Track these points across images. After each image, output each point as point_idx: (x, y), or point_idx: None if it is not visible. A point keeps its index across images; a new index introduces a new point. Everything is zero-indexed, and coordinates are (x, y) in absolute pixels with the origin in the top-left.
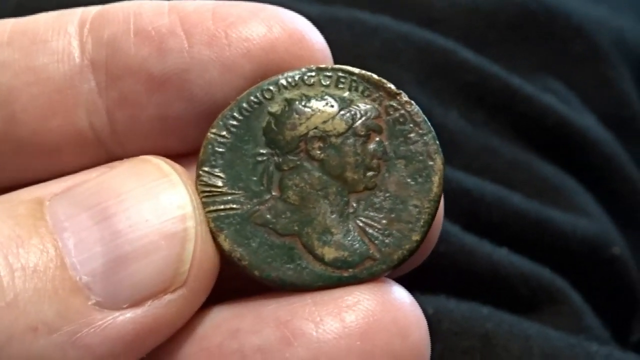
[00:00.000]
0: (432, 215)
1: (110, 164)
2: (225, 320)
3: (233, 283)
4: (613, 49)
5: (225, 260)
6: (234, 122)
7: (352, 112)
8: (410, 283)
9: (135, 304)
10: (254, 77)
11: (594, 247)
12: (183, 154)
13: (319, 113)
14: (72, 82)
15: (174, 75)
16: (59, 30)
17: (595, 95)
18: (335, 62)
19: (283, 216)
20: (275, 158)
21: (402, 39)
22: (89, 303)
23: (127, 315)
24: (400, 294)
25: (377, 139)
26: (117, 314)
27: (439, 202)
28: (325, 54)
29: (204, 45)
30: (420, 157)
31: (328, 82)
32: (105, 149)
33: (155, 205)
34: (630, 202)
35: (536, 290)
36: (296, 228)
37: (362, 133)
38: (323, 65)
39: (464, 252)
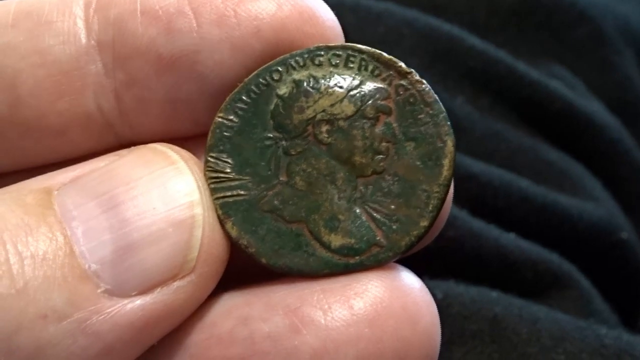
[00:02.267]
0: (442, 200)
1: (118, 152)
2: (235, 308)
3: (242, 269)
4: (617, 34)
5: (233, 246)
6: (242, 106)
7: (361, 94)
8: (419, 268)
9: (144, 291)
10: (265, 57)
11: (601, 232)
12: (193, 136)
13: (326, 95)
14: (79, 63)
15: (183, 56)
16: (64, 10)
17: (599, 80)
18: None
19: (290, 202)
20: (283, 142)
21: (406, 24)
22: (98, 291)
23: (136, 303)
24: (409, 280)
25: (386, 120)
26: (126, 301)
27: (449, 186)
28: (337, 31)
29: (213, 24)
30: (431, 139)
31: (337, 62)
32: (114, 131)
33: (163, 193)
34: (637, 187)
35: (544, 275)
36: (303, 214)
37: (371, 115)
38: (332, 44)
39: (472, 237)
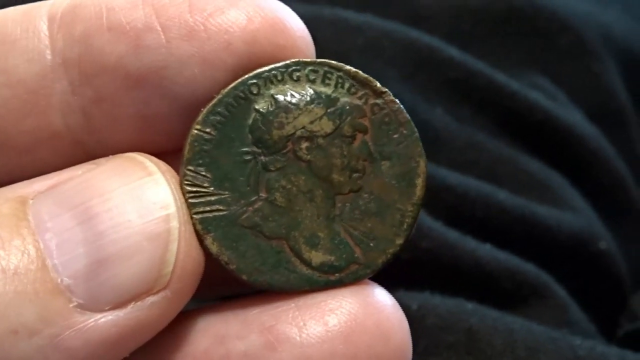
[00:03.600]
0: (415, 218)
1: (96, 161)
2: (211, 325)
3: (218, 284)
4: (599, 43)
5: (210, 261)
6: (220, 118)
7: (339, 112)
8: (395, 279)
9: (117, 306)
10: (236, 70)
11: (579, 242)
12: (166, 151)
13: (306, 112)
14: (44, 82)
15: (152, 72)
16: (28, 27)
17: (581, 89)
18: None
19: (270, 219)
20: (262, 157)
21: (386, 36)
22: (70, 305)
23: (109, 318)
24: (382, 297)
25: (363, 139)
26: (99, 316)
27: (421, 205)
28: (307, 41)
29: (183, 39)
30: (404, 159)
31: (314, 77)
32: (83, 148)
33: (139, 205)
34: (616, 197)
35: (521, 285)
36: (283, 231)
37: (349, 134)
38: (309, 60)
39: (447, 248)
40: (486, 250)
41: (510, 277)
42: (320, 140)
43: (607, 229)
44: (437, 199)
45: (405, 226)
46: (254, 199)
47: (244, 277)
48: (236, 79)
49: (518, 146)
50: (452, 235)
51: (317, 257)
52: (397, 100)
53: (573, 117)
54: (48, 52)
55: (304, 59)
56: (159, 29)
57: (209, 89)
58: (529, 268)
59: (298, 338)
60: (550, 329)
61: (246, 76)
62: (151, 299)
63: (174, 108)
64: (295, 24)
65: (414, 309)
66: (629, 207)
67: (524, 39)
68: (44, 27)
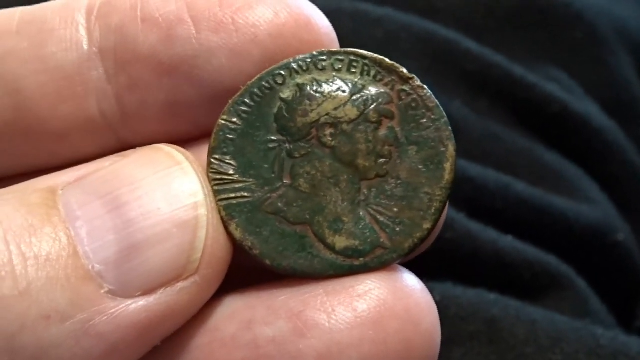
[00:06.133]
0: (444, 203)
1: (123, 153)
2: (238, 311)
3: (246, 271)
4: (613, 36)
5: (237, 248)
6: (245, 108)
7: (364, 98)
8: (418, 270)
9: (147, 292)
10: (262, 62)
11: (597, 234)
12: (194, 139)
13: (330, 99)
14: (81, 69)
15: (183, 62)
16: (67, 18)
17: (596, 82)
18: None
19: (294, 205)
20: (287, 145)
21: (404, 29)
22: (102, 291)
23: (140, 303)
24: (411, 281)
25: (389, 124)
26: (129, 301)
27: (450, 189)
28: (332, 37)
29: (212, 31)
30: (432, 143)
31: (340, 66)
32: (116, 135)
33: (168, 194)
34: (633, 189)
35: (541, 276)
36: (307, 217)
37: (374, 119)
38: (335, 49)
39: (469, 239)
40: (507, 242)
41: (531, 268)
42: (345, 127)
43: (624, 220)
44: (458, 191)
45: (433, 210)
46: (278, 185)
47: (268, 261)
48: (262, 70)
49: (535, 138)
50: (475, 226)
51: (340, 241)
52: (425, 86)
53: (589, 109)
54: (85, 41)
55: (330, 49)
56: (190, 21)
57: (236, 79)
58: (550, 259)
59: (327, 324)
60: (572, 319)
61: (272, 67)
62: (181, 284)
63: (202, 96)
64: (320, 20)
65: (436, 300)
66: None
67: (538, 32)
68: (81, 19)
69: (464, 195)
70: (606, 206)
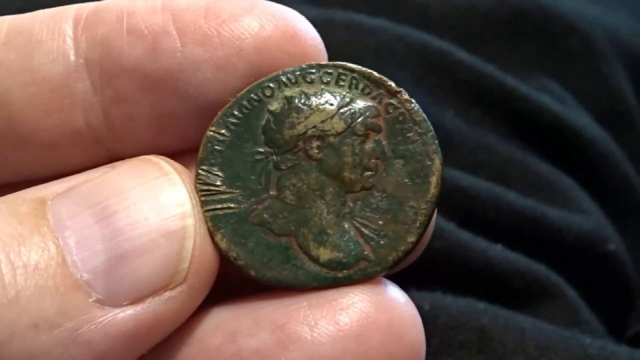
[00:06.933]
0: (429, 217)
1: (112, 164)
2: (224, 322)
3: (233, 282)
4: (607, 46)
5: (222, 259)
6: (234, 120)
7: (352, 111)
8: (407, 280)
9: (135, 301)
10: (248, 76)
11: (589, 244)
12: (183, 152)
13: (318, 112)
14: (68, 81)
15: (167, 76)
16: (54, 29)
17: (589, 92)
18: None
19: (280, 216)
20: (274, 157)
21: (397, 39)
22: (90, 300)
23: (128, 312)
24: (394, 294)
25: (376, 138)
26: (117, 310)
27: (436, 203)
28: (319, 49)
29: (197, 44)
30: (419, 157)
31: (328, 79)
32: (104, 146)
33: (155, 204)
34: (625, 199)
35: (531, 285)
36: (292, 228)
37: (361, 132)
38: (323, 62)
39: (459, 248)
40: (497, 251)
41: (521, 277)
42: (332, 139)
43: (615, 231)
44: (450, 200)
45: (418, 224)
46: (264, 197)
47: (252, 272)
48: (248, 84)
49: (527, 148)
50: (465, 235)
51: (325, 253)
52: (413, 100)
53: (582, 119)
54: (72, 52)
55: (319, 62)
56: (175, 33)
57: (221, 93)
58: (540, 268)
59: (309, 337)
60: (561, 328)
61: (261, 80)
62: (168, 294)
63: (188, 109)
64: (306, 32)
65: (426, 309)
66: (637, 209)
67: (532, 42)
68: (68, 30)
69: (456, 205)
70: (598, 216)
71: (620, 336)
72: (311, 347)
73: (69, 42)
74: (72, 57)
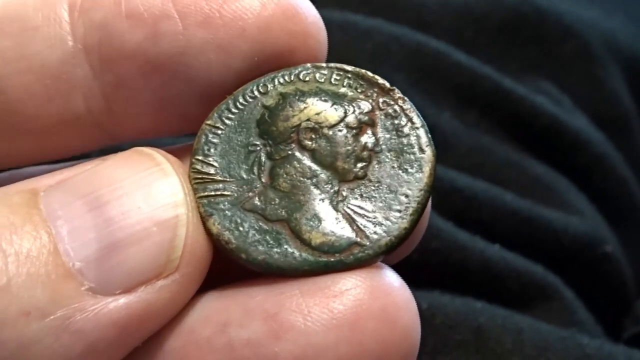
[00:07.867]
0: (423, 205)
1: (104, 157)
2: (214, 313)
3: (223, 273)
4: (604, 49)
5: (214, 245)
6: (229, 115)
7: (346, 106)
8: (405, 279)
9: (128, 289)
10: (251, 56)
11: (585, 245)
12: (182, 135)
13: (312, 106)
14: (66, 67)
15: (170, 59)
16: (49, 14)
17: (586, 95)
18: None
19: (273, 203)
20: (268, 148)
21: (394, 41)
22: (82, 288)
23: (120, 301)
24: (388, 278)
25: (369, 131)
26: (110, 299)
27: (429, 192)
28: (319, 26)
29: (199, 26)
30: (412, 149)
31: (323, 79)
32: (105, 130)
33: (148, 193)
34: (622, 201)
35: (528, 286)
36: (285, 214)
37: (355, 126)
38: (318, 64)
39: (457, 249)
40: (494, 251)
41: (518, 278)
42: (326, 131)
43: (612, 233)
44: (446, 201)
45: (411, 211)
46: (257, 185)
47: (243, 255)
48: (251, 64)
49: (524, 150)
50: (462, 236)
51: (317, 237)
52: (406, 97)
53: (578, 122)
54: (69, 38)
55: (314, 64)
56: (176, 16)
57: (224, 74)
58: (537, 269)
59: (303, 326)
60: (558, 328)
61: (257, 79)
62: (161, 283)
63: (191, 93)
64: (307, 10)
65: (423, 308)
66: (633, 211)
67: (528, 45)
68: (64, 14)
69: (453, 206)
70: (595, 218)
71: (616, 338)
72: (304, 336)
73: (66, 27)
74: (70, 42)
